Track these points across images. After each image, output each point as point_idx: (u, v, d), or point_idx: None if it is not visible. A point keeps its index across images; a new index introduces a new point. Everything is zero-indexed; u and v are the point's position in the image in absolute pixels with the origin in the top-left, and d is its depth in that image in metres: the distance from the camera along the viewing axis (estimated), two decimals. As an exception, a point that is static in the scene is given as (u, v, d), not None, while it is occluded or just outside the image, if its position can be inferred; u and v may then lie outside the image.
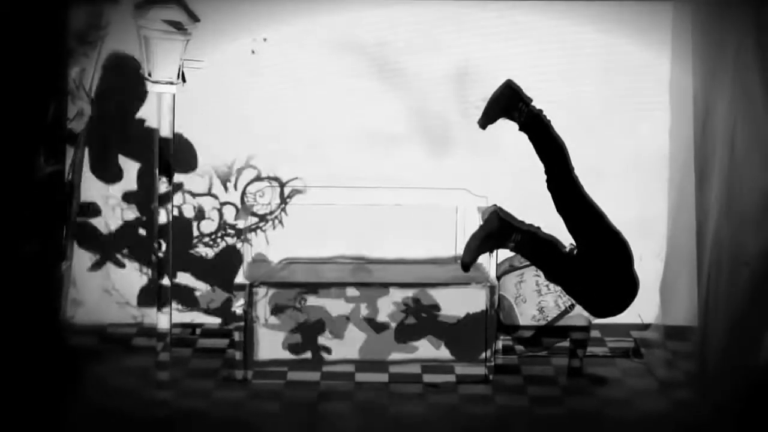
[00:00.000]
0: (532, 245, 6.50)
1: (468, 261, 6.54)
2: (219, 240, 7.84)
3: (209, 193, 7.81)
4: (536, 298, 7.15)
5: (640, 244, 7.42)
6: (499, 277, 7.26)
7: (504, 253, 7.25)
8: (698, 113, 7.00)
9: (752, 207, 6.48)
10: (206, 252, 7.85)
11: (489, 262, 7.33)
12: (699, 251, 7.00)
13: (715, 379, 6.70)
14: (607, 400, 7.01)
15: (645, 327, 7.73)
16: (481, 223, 6.66)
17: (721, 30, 6.74)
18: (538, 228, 6.89)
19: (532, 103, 6.58)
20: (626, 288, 6.66)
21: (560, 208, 6.56)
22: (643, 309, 7.52)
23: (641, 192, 7.81)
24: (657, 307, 7.63)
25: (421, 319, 7.12)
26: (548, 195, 6.86)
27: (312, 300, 7.16)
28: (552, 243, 6.65)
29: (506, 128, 7.59)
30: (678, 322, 7.44)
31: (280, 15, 7.62)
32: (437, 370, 7.23)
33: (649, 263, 7.59)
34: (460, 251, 7.53)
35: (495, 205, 6.68)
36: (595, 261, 6.58)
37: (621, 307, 6.78)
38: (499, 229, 6.45)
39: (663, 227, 7.72)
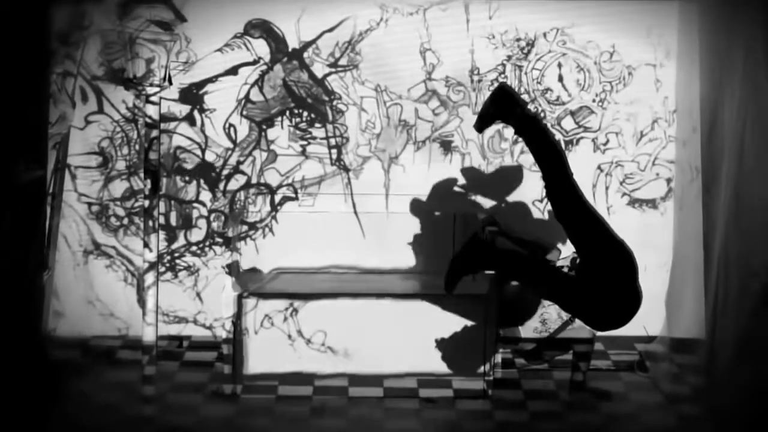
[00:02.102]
0: (518, 271, 6.41)
1: (450, 288, 6.46)
2: (207, 249, 7.77)
3: (197, 200, 7.73)
4: (539, 309, 7.05)
5: (645, 254, 7.39)
6: None
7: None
8: (705, 116, 6.95)
9: (762, 215, 6.38)
10: (194, 261, 7.78)
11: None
12: (706, 261, 6.94)
13: (722, 393, 6.60)
14: (610, 415, 6.92)
15: (650, 339, 7.66)
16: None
17: (728, 30, 6.67)
18: (534, 241, 6.78)
19: (528, 107, 6.45)
20: (629, 300, 6.52)
21: (560, 216, 6.44)
22: (649, 321, 7.44)
23: (646, 199, 7.76)
24: (662, 319, 7.59)
25: None
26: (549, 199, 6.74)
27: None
28: (545, 265, 6.56)
29: (506, 133, 7.59)
30: (684, 335, 7.39)
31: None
32: (434, 385, 7.14)
33: (654, 274, 7.53)
34: None
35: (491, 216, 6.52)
36: (598, 271, 6.44)
37: (623, 320, 6.64)
38: (479, 254, 6.38)
39: (668, 236, 7.67)
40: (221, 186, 7.71)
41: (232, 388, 7.08)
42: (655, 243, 7.65)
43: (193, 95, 7.61)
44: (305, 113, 7.67)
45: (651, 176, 7.73)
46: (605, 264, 6.39)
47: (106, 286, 7.75)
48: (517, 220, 7.56)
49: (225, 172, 7.70)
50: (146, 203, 7.07)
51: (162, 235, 7.57)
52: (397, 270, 7.67)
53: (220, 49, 7.56)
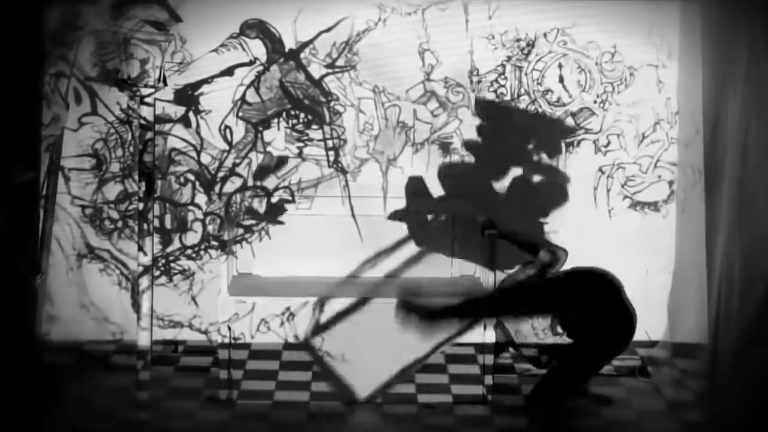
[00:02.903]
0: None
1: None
2: (202, 252, 7.74)
3: (192, 203, 7.69)
4: (534, 339, 6.95)
5: (647, 257, 7.52)
6: None
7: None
8: (708, 118, 6.90)
9: (765, 217, 6.29)
10: (189, 264, 7.74)
11: (487, 275, 7.21)
12: (709, 264, 6.86)
13: (725, 399, 6.53)
14: (612, 421, 6.88)
15: (652, 344, 7.62)
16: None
17: (730, 30, 6.61)
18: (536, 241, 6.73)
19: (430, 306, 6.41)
20: (622, 321, 6.38)
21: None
22: (651, 325, 7.41)
23: (647, 201, 7.71)
24: (665, 323, 7.56)
25: None
26: (547, 199, 7.02)
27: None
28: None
29: (504, 136, 7.47)
30: (687, 339, 7.40)
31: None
32: (433, 390, 7.11)
33: (656, 277, 7.53)
34: (457, 264, 7.60)
35: None
36: (582, 310, 6.35)
37: (623, 343, 6.49)
38: None
39: (671, 239, 7.63)
40: (217, 188, 7.67)
41: (227, 393, 7.03)
42: (657, 246, 7.62)
43: (188, 96, 7.56)
44: (302, 115, 7.62)
45: (653, 178, 7.69)
46: (571, 291, 6.31)
47: (101, 290, 7.72)
48: (517, 221, 7.51)
49: (221, 174, 7.66)
50: (141, 206, 7.02)
51: (157, 238, 7.54)
52: (395, 273, 7.61)
53: (215, 50, 7.52)
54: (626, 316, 6.30)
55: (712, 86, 6.81)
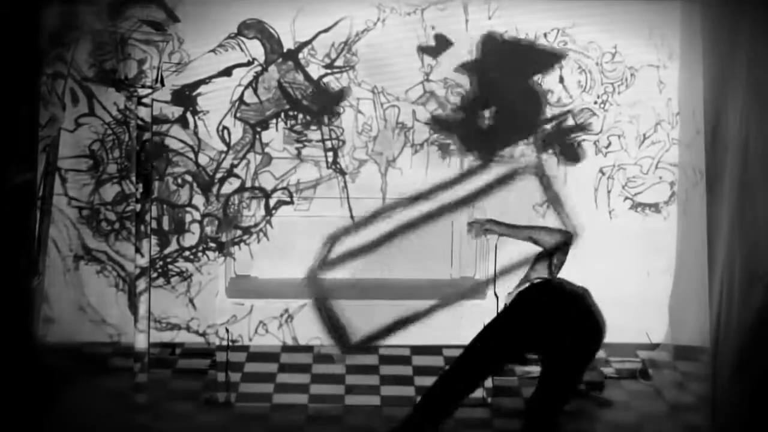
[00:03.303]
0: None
1: None
2: (200, 254, 7.72)
3: (189, 204, 7.67)
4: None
5: (648, 259, 7.51)
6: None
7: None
8: (708, 118, 6.85)
9: (766, 218, 6.26)
10: (186, 266, 7.72)
11: (487, 277, 7.22)
12: (710, 266, 6.80)
13: (727, 402, 6.48)
14: (613, 424, 6.86)
15: (653, 347, 7.60)
16: None
17: (731, 30, 6.57)
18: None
19: None
20: (585, 323, 6.20)
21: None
22: (652, 328, 7.44)
23: (648, 203, 7.70)
24: (666, 325, 7.54)
25: None
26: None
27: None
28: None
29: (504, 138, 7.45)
30: (688, 342, 7.34)
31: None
32: None
33: (657, 279, 7.51)
34: (456, 265, 7.60)
35: None
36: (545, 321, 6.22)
37: (594, 344, 6.31)
38: None
39: (672, 241, 7.60)
40: (214, 190, 7.64)
41: (225, 396, 7.01)
42: (658, 248, 7.60)
43: (185, 97, 7.54)
44: (300, 115, 7.59)
45: (654, 180, 7.67)
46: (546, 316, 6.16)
47: (98, 292, 7.69)
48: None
49: (218, 175, 7.62)
50: (138, 207, 6.99)
51: (154, 239, 7.51)
52: (394, 275, 7.60)
53: (213, 50, 7.50)
54: (589, 317, 6.10)
55: (713, 86, 6.77)
